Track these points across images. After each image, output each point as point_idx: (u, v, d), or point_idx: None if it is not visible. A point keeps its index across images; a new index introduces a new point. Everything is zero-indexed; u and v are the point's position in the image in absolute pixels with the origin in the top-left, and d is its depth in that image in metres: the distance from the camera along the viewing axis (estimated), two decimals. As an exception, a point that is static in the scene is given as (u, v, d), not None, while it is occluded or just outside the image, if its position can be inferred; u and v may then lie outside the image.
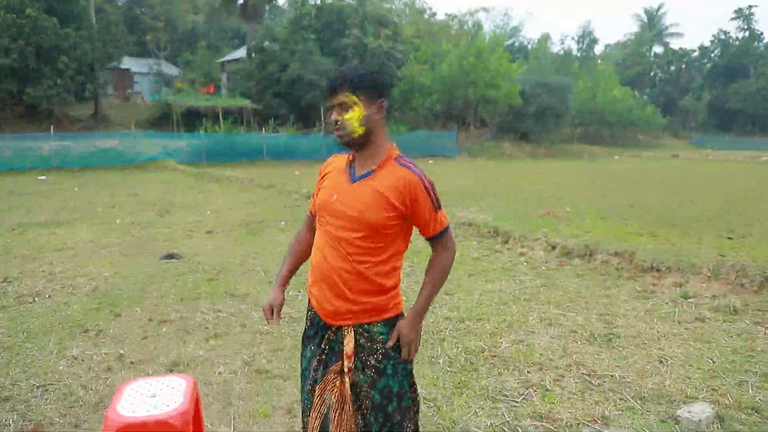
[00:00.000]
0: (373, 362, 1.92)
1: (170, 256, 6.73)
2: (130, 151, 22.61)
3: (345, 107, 1.84)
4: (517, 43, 58.21)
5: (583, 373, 3.50)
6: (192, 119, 29.52)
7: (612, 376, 3.46)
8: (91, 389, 3.26)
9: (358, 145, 1.88)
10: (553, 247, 6.85)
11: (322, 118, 30.16)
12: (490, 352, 3.83)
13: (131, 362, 3.64)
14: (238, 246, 7.45)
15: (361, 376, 1.93)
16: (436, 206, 1.90)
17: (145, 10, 48.83)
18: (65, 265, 6.28)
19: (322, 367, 1.98)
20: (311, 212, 2.14)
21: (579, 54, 58.03)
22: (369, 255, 1.89)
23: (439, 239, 1.96)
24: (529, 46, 57.54)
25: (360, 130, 1.84)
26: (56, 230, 8.43)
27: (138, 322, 4.43)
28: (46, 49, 22.97)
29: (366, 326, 1.93)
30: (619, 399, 3.17)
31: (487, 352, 3.83)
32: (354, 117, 1.82)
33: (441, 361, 3.68)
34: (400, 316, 2.00)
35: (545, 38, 54.22)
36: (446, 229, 1.95)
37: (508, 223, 8.58)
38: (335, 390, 1.96)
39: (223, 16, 49.14)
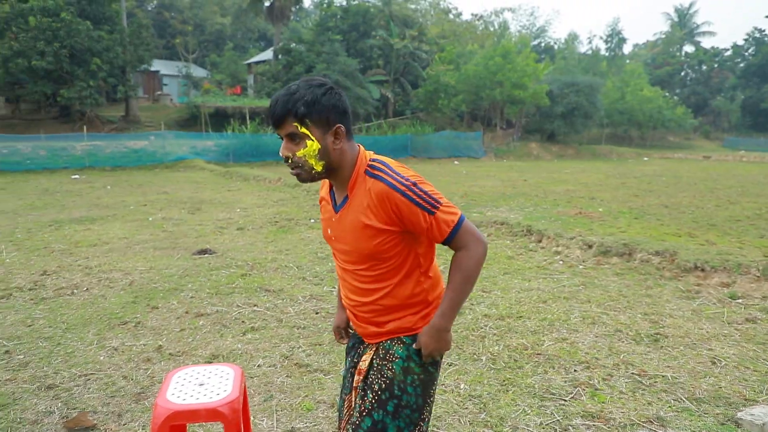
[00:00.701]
0: (376, 388, 1.70)
1: (203, 252, 6.75)
2: (160, 151, 22.94)
3: (295, 141, 1.55)
4: (543, 44, 57.67)
5: (632, 373, 3.37)
6: (219, 120, 29.88)
7: (663, 376, 3.32)
8: (132, 379, 3.25)
9: (322, 179, 1.65)
10: (590, 246, 6.68)
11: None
12: (534, 350, 3.72)
13: (170, 354, 3.62)
14: (269, 243, 7.45)
15: (359, 398, 1.76)
16: (430, 207, 1.56)
17: (174, 14, 49.65)
18: (101, 259, 6.34)
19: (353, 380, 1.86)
20: None
21: (607, 53, 57.18)
22: (381, 281, 1.68)
23: (453, 240, 1.61)
24: (556, 46, 56.94)
25: (318, 167, 1.57)
26: (91, 226, 8.54)
27: (175, 314, 4.42)
28: (80, 52, 23.46)
29: (388, 343, 1.74)
30: (674, 400, 3.04)
31: (530, 350, 3.72)
32: (308, 153, 1.54)
33: (483, 359, 3.58)
34: None
35: (572, 38, 53.62)
36: (458, 226, 1.60)
37: (541, 222, 8.43)
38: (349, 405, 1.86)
39: (250, 18, 49.75)
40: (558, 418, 2.84)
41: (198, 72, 44.80)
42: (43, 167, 20.08)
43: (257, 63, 41.04)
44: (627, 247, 6.36)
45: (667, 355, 3.66)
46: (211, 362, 3.46)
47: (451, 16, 49.72)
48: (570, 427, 2.75)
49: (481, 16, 54.42)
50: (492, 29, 52.00)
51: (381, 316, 1.72)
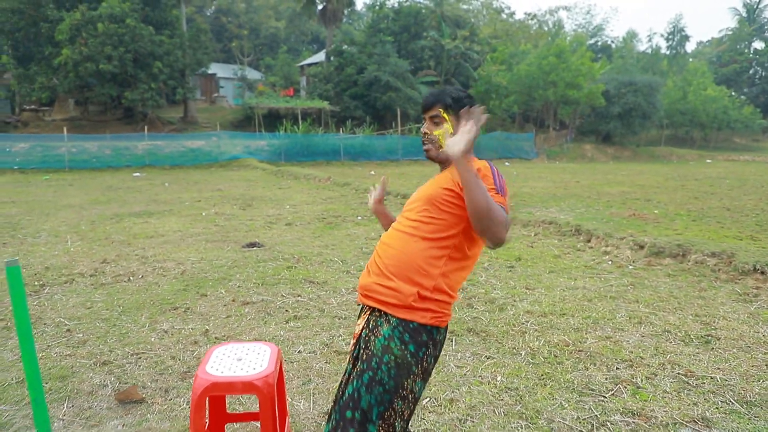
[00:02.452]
0: (363, 358, 1.79)
1: (252, 245, 6.95)
2: (215, 151, 23.72)
3: (436, 123, 1.93)
4: (600, 42, 56.01)
5: (678, 373, 3.25)
6: (272, 121, 30.60)
7: (712, 377, 3.20)
8: (180, 359, 3.40)
9: (441, 160, 1.96)
10: (641, 247, 6.47)
11: (398, 119, 30.32)
12: (575, 347, 3.65)
13: (216, 337, 3.77)
14: (316, 238, 7.59)
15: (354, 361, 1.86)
16: (498, 188, 1.76)
17: (231, 19, 51.17)
18: (156, 250, 6.63)
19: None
20: None
21: (668, 52, 54.94)
22: (420, 229, 1.82)
23: None
24: (614, 45, 55.18)
25: (445, 146, 1.83)
26: (148, 220, 8.94)
27: (222, 302, 4.59)
28: (143, 56, 24.56)
29: (379, 317, 1.82)
30: (721, 402, 2.92)
31: (571, 346, 3.65)
32: (443, 133, 1.91)
33: (523, 353, 3.54)
34: (423, 328, 1.77)
35: (631, 36, 51.83)
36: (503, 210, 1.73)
37: (591, 223, 8.22)
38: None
39: (303, 21, 50.70)
40: (596, 413, 2.78)
41: (253, 74, 45.97)
42: (108, 165, 21.14)
43: (309, 65, 41.73)
44: (681, 248, 6.13)
45: (717, 357, 3.52)
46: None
47: (503, 15, 49.05)
48: (608, 423, 2.69)
49: (535, 15, 53.45)
50: (546, 29, 50.98)
51: (392, 269, 1.81)
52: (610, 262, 6.19)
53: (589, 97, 32.86)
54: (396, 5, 38.40)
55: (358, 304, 1.98)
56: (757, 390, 3.05)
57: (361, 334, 1.86)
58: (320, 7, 37.83)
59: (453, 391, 3.02)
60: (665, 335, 3.89)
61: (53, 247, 6.86)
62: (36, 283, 5.15)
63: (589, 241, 7.21)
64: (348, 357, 1.92)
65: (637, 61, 46.40)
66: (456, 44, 36.09)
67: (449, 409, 2.82)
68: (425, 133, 1.96)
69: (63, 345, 3.64)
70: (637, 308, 4.49)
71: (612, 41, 57.24)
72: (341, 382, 1.90)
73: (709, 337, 3.84)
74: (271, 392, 2.00)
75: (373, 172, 20.69)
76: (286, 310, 4.40)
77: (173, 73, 26.53)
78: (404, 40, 36.09)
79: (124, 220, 8.87)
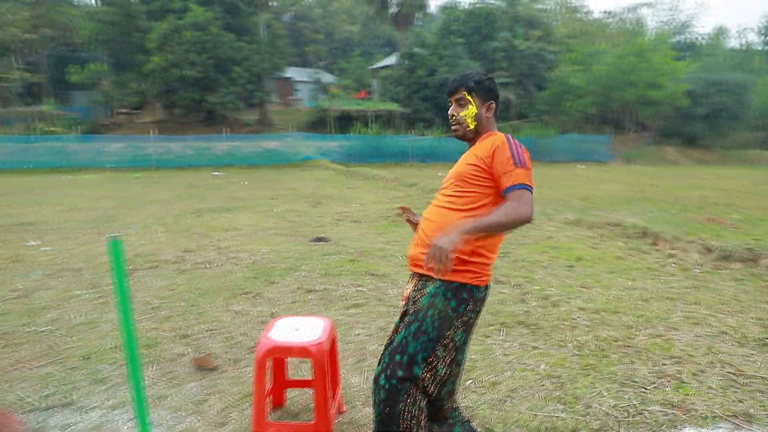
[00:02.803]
0: (410, 312, 2.11)
1: (319, 239, 7.35)
2: (289, 151, 24.69)
3: (462, 105, 2.18)
4: (686, 40, 53.14)
5: (727, 372, 3.26)
6: (344, 122, 31.37)
7: (763, 378, 3.18)
8: (248, 336, 3.78)
9: (469, 139, 2.22)
10: (710, 250, 6.29)
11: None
12: (624, 342, 3.71)
13: (281, 320, 4.13)
14: (380, 234, 7.89)
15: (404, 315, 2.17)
16: (516, 161, 1.99)
17: (308, 24, 52.80)
18: (231, 242, 7.16)
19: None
20: None
21: (762, 48, 51.28)
22: (456, 203, 2.09)
23: (511, 192, 1.95)
24: (701, 42, 52.21)
25: (472, 125, 2.17)
26: (225, 215, 9.59)
27: (288, 289, 4.96)
28: (223, 62, 25.96)
29: (426, 281, 2.11)
30: (769, 400, 2.92)
31: (620, 342, 3.71)
32: (468, 114, 2.16)
33: (570, 346, 3.65)
34: (464, 287, 2.04)
35: (720, 32, 48.83)
36: (522, 186, 1.95)
37: (661, 226, 8.02)
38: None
39: (376, 25, 51.47)
40: (635, 402, 2.87)
41: (327, 78, 47.24)
42: (190, 164, 22.54)
43: (382, 68, 42.34)
44: (752, 252, 5.92)
45: (773, 359, 3.47)
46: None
47: (580, 15, 47.60)
48: (645, 412, 2.77)
49: (614, 13, 51.48)
50: (627, 26, 48.99)
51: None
52: (674, 265, 6.07)
53: (671, 97, 31.35)
54: (468, 7, 38.27)
55: (409, 273, 2.27)
56: (811, 392, 3.01)
57: (410, 295, 2.17)
58: (392, 11, 38.34)
59: (496, 376, 3.19)
60: (721, 336, 3.86)
61: (142, 237, 7.55)
62: (127, 267, 5.75)
63: (655, 243, 7.07)
64: (399, 314, 2.22)
65: (727, 59, 43.63)
66: (529, 45, 35.47)
67: (491, 391, 3.00)
68: (452, 116, 2.20)
69: (150, 320, 4.12)
70: (695, 309, 4.45)
71: (700, 38, 54.22)
72: (392, 333, 2.20)
73: (768, 340, 3.77)
74: (323, 357, 2.28)
75: (440, 174, 20.81)
76: (347, 299, 4.70)
77: (251, 77, 27.83)
78: (476, 42, 35.89)
79: (203, 215, 9.56)
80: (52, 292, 4.86)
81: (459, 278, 2.03)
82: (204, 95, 26.79)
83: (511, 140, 2.06)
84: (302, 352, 2.28)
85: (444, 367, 2.06)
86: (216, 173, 20.30)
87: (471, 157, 2.12)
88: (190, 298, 4.65)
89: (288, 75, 42.96)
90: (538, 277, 5.49)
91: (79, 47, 35.20)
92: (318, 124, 33.08)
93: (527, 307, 4.48)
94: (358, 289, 5.01)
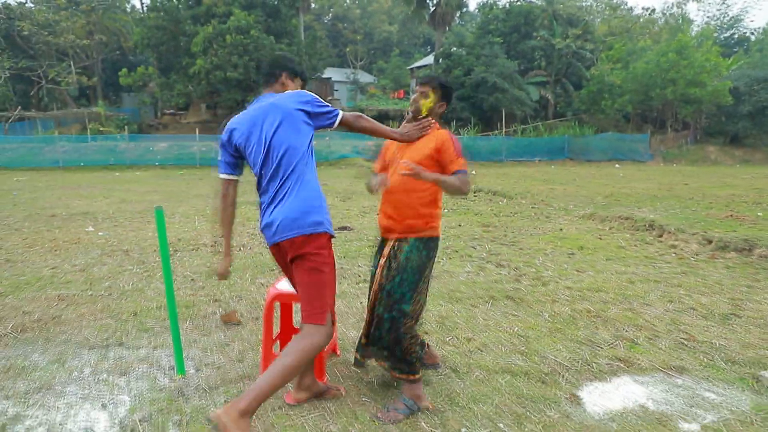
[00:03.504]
0: (393, 267, 2.74)
1: (343, 228, 7.98)
2: (325, 150, 25.51)
3: (424, 95, 2.81)
4: (737, 35, 51.51)
5: (680, 337, 3.69)
6: (381, 122, 31.71)
7: (711, 343, 3.60)
8: (269, 301, 4.43)
9: (412, 119, 2.84)
10: (710, 241, 6.61)
11: (503, 120, 30.45)
12: (596, 314, 4.17)
13: (299, 290, 4.76)
14: (400, 225, 8.45)
15: (385, 272, 2.79)
16: (458, 153, 2.70)
17: (347, 25, 53.77)
18: (264, 229, 7.87)
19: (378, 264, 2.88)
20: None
21: (817, 44, 49.16)
22: (411, 179, 2.65)
23: (459, 174, 2.66)
24: (753, 37, 50.53)
25: (424, 113, 2.82)
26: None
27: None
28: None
29: (400, 242, 2.76)
30: (708, 360, 3.35)
31: (593, 313, 4.18)
32: (426, 104, 2.81)
33: (546, 315, 4.14)
34: (431, 239, 2.76)
35: (770, 28, 47.09)
36: (465, 171, 2.68)
37: (674, 220, 8.28)
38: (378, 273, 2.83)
39: (415, 25, 52.00)
40: (587, 357, 3.36)
41: (365, 78, 48.07)
42: (232, 162, 23.59)
43: (419, 68, 42.83)
44: (747, 243, 6.23)
45: (729, 329, 3.87)
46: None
47: (621, 12, 46.85)
48: (593, 363, 3.26)
49: (657, 11, 50.39)
50: (671, 23, 47.91)
51: (401, 212, 2.74)
52: (673, 255, 6.42)
53: (714, 95, 30.67)
54: (507, 5, 38.34)
55: (382, 239, 2.94)
56: (750, 354, 3.42)
57: (389, 254, 2.79)
58: (431, 10, 38.80)
59: (473, 334, 3.73)
60: (689, 312, 4.27)
61: (184, 225, 8.35)
62: (171, 249, 6.52)
63: (661, 236, 7.40)
64: (378, 269, 2.84)
65: (776, 55, 42.15)
66: (567, 43, 35.30)
67: (465, 345, 3.54)
68: (415, 99, 2.83)
69: (188, 288, 4.84)
70: (674, 291, 4.85)
71: (751, 33, 52.43)
72: (374, 287, 2.84)
73: (732, 316, 4.16)
74: (316, 303, 2.88)
75: (473, 172, 21.20)
76: (359, 275, 5.31)
77: (291, 78, 28.80)
78: (514, 41, 35.96)
79: (240, 207, 10.28)
80: (106, 267, 5.66)
81: (427, 234, 2.74)
82: (246, 96, 27.91)
83: (452, 136, 2.75)
84: (298, 298, 2.90)
85: (424, 297, 2.82)
86: (255, 170, 21.25)
87: (426, 149, 2.73)
88: (222, 273, 5.34)
89: (327, 75, 43.96)
90: (537, 262, 5.96)
91: (129, 52, 37.12)
92: (355, 123, 33.82)
93: (518, 286, 4.98)
94: (371, 268, 5.60)
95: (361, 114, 2.67)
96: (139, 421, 2.58)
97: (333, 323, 2.55)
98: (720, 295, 4.70)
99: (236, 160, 2.58)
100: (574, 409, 2.72)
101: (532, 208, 10.62)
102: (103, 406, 2.73)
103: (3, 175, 19.62)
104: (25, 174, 20.22)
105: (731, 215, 9.68)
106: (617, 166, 27.69)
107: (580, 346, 3.53)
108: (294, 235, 2.38)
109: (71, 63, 33.68)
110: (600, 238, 7.37)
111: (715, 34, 44.13)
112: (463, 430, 2.52)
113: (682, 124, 35.82)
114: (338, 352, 3.40)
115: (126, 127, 27.95)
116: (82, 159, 23.38)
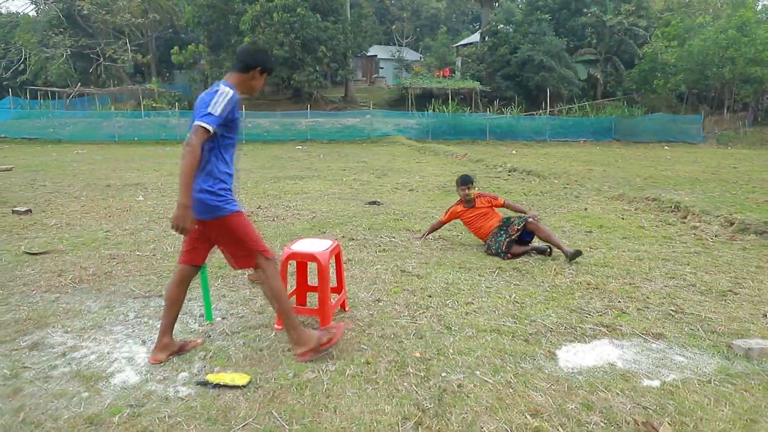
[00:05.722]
0: None
1: (373, 203, 8.38)
2: (368, 128, 25.88)
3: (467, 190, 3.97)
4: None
5: (669, 309, 3.91)
6: (425, 100, 32.09)
7: (698, 315, 3.81)
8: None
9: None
10: (732, 224, 6.65)
11: (547, 100, 29.96)
12: (595, 286, 4.42)
13: (321, 257, 5.19)
14: (430, 201, 8.79)
15: None
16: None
17: (394, 1, 53.43)
18: (297, 203, 8.36)
19: None
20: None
21: None
22: None
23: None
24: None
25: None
26: (298, 182, 10.86)
27: (335, 237, 6.03)
28: (309, 41, 27.47)
29: None
30: (689, 329, 3.57)
31: (592, 285, 4.43)
32: (472, 194, 4.14)
33: (546, 285, 4.43)
34: None
35: None
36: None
37: (706, 203, 8.24)
38: None
39: (464, 1, 51.22)
40: (573, 321, 3.65)
41: (411, 56, 47.91)
42: (276, 139, 24.34)
43: (465, 45, 42.36)
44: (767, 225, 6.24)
45: (721, 304, 4.05)
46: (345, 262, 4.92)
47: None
48: (578, 328, 3.55)
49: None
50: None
51: None
52: (692, 235, 6.50)
53: (776, 73, 29.17)
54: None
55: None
56: (735, 327, 3.62)
57: None
58: (478, -14, 38.23)
59: (472, 299, 4.06)
60: (688, 288, 4.45)
61: (226, 196, 8.92)
62: (211, 217, 7.07)
63: (685, 217, 7.45)
64: None
65: None
66: (619, 20, 34.14)
67: (463, 308, 3.89)
68: (465, 195, 3.88)
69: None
70: (681, 269, 5.01)
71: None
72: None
73: (729, 292, 4.33)
74: (326, 263, 3.29)
75: (514, 152, 21.16)
76: (379, 245, 5.71)
77: (336, 56, 29.21)
78: (563, 17, 35.06)
79: (280, 182, 10.89)
80: (152, 232, 6.25)
81: None
82: (291, 74, 28.51)
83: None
84: (310, 257, 3.32)
85: None
86: (299, 147, 21.89)
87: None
88: (255, 240, 5.84)
89: (373, 53, 44.08)
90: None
91: (180, 30, 38.24)
92: (399, 101, 34.03)
93: (527, 259, 5.26)
94: (392, 239, 5.99)
95: (189, 141, 2.72)
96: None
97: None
98: (725, 274, 4.84)
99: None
100: (548, 363, 3.04)
101: (564, 188, 10.71)
102: (143, 342, 3.25)
103: (65, 148, 20.95)
104: (84, 147, 21.50)
105: (770, 200, 9.52)
106: (666, 147, 26.87)
107: (570, 313, 3.81)
108: None
109: (127, 41, 35.08)
110: (622, 218, 7.48)
111: (783, 10, 41.58)
112: (443, 374, 2.89)
113: (741, 105, 34.27)
114: (347, 308, 3.81)
115: (177, 103, 29.07)
116: (136, 134, 24.58)
